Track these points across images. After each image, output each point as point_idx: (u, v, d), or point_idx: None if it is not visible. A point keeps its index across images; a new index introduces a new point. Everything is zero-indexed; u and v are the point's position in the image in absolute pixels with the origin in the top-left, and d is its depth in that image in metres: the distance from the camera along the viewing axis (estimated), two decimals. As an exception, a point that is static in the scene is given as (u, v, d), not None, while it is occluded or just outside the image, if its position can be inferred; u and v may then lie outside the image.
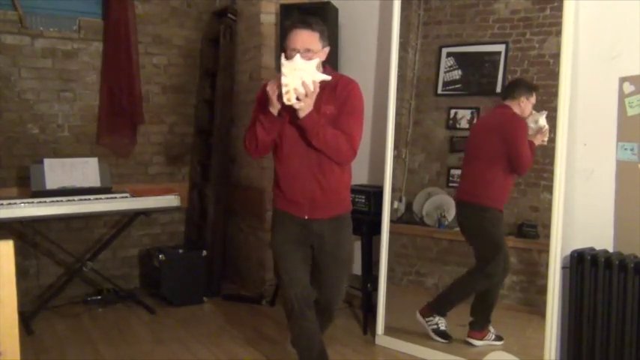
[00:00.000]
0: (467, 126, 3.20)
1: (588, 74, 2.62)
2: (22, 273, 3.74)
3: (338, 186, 2.40)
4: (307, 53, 2.20)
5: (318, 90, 2.16)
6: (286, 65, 2.13)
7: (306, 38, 2.22)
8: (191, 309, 3.85)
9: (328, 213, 2.40)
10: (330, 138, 2.24)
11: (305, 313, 2.44)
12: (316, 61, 2.20)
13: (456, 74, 3.26)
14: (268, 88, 2.22)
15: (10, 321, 1.24)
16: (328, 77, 2.21)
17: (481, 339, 2.90)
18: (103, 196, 3.61)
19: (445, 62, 3.30)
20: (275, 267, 2.53)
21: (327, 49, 2.31)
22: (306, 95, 2.13)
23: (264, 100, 2.27)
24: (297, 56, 2.15)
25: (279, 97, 2.18)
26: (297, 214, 2.39)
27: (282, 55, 2.19)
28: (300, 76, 2.13)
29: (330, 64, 4.02)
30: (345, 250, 2.50)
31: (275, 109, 2.23)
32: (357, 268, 3.52)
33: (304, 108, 2.17)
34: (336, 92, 2.31)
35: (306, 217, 2.38)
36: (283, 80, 2.13)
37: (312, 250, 2.47)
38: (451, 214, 3.22)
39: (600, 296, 2.44)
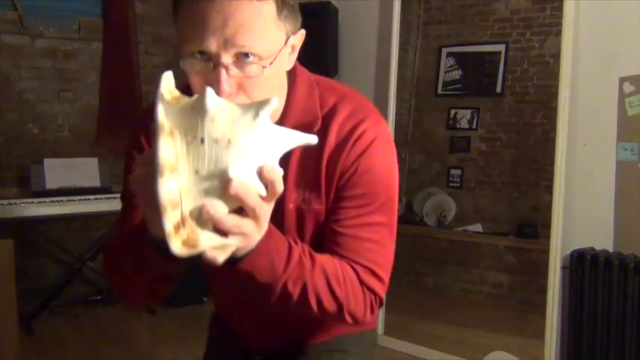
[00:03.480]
0: (467, 126, 3.20)
1: (588, 74, 2.62)
2: (22, 273, 3.73)
3: (332, 324, 1.14)
4: (243, 68, 0.83)
5: (281, 188, 0.72)
6: (168, 131, 0.72)
7: (239, 19, 0.81)
8: (191, 309, 3.84)
9: (317, 339, 1.17)
10: (320, 292, 0.91)
11: None
12: (274, 102, 0.71)
13: (456, 74, 3.27)
14: (132, 184, 0.77)
15: (10, 321, 1.23)
16: (313, 140, 0.75)
17: None
18: (103, 196, 3.61)
19: (445, 62, 3.31)
20: None
21: (300, 36, 0.90)
22: (254, 217, 0.72)
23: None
24: (208, 92, 0.75)
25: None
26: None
27: (159, 92, 0.76)
28: (219, 167, 0.69)
29: (329, 66, 3.79)
30: None
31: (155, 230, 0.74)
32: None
33: (245, 245, 0.76)
34: (324, 155, 0.96)
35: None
36: (160, 192, 0.66)
37: None
38: (451, 214, 3.22)
39: (600, 296, 2.44)
